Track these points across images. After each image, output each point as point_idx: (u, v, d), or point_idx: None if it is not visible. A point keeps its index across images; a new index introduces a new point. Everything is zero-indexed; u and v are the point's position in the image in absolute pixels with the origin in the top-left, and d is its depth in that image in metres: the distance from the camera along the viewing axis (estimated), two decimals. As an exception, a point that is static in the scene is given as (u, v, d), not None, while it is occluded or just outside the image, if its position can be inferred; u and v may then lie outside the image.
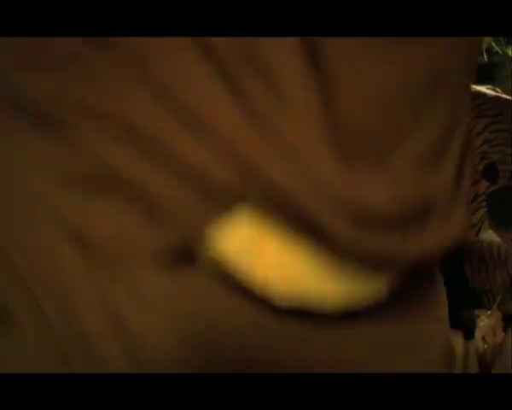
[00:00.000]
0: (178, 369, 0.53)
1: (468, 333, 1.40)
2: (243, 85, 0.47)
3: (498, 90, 2.06)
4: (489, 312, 1.39)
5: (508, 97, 2.04)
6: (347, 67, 0.52)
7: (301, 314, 0.48)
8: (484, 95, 1.98)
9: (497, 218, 1.92)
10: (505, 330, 1.37)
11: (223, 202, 0.44)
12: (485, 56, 2.28)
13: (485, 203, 1.94)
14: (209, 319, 0.50)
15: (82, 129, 0.48)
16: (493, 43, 2.33)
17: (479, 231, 1.89)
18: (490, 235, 1.89)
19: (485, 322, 1.36)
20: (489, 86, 2.05)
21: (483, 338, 1.37)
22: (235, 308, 0.48)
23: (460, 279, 1.70)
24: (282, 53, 0.53)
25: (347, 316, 0.49)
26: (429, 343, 0.62)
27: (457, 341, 1.36)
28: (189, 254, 0.46)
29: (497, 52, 2.42)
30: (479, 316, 1.42)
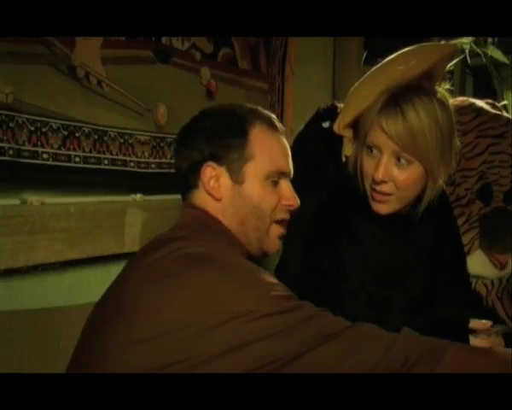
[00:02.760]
0: None
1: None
2: None
3: (497, 104, 2.06)
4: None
5: (507, 115, 2.04)
6: None
7: None
8: (486, 112, 1.98)
9: (487, 239, 1.92)
10: None
11: None
12: (468, 59, 2.28)
13: (477, 224, 1.93)
14: None
15: None
16: (473, 45, 2.33)
17: (469, 251, 1.89)
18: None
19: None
20: (488, 100, 2.05)
21: None
22: None
23: None
24: None
25: None
26: None
27: None
28: None
29: (477, 54, 2.43)
30: None
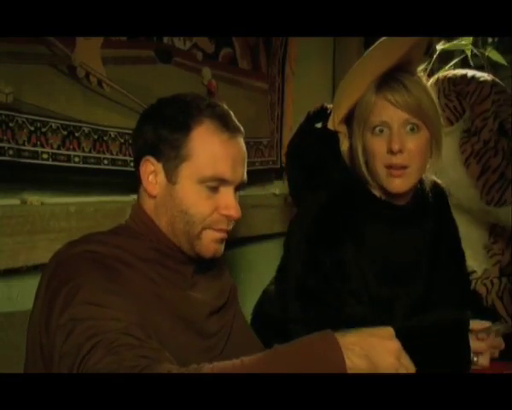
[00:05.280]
0: None
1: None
2: None
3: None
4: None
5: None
6: None
7: None
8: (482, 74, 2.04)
9: None
10: None
11: None
12: (471, 61, 2.28)
13: None
14: None
15: None
16: (472, 47, 2.33)
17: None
18: None
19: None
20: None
21: None
22: None
23: None
24: None
25: None
26: None
27: None
28: None
29: (475, 54, 2.43)
30: None
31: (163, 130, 1.11)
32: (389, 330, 0.94)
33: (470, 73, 2.00)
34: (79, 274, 1.00)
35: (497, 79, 2.02)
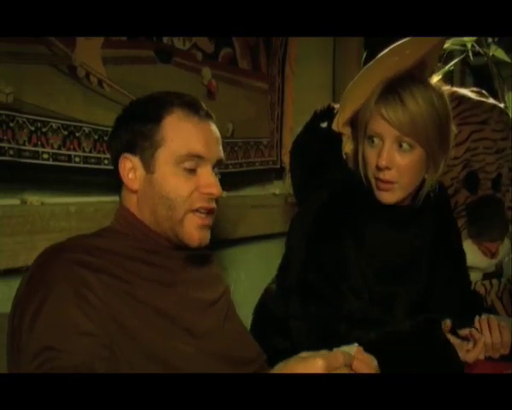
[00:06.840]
0: None
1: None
2: None
3: (484, 92, 2.04)
4: None
5: (492, 102, 2.02)
6: None
7: None
8: (468, 100, 1.97)
9: (476, 227, 1.91)
10: None
11: None
12: (471, 56, 2.28)
13: (464, 213, 1.93)
14: None
15: None
16: (475, 45, 2.33)
17: None
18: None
19: None
20: (474, 89, 2.04)
21: None
22: None
23: None
24: None
25: None
26: None
27: None
28: None
29: (479, 53, 2.43)
30: None
31: (136, 125, 1.14)
32: (318, 362, 0.86)
33: (458, 109, 1.89)
34: (51, 285, 1.00)
35: (492, 116, 1.94)
